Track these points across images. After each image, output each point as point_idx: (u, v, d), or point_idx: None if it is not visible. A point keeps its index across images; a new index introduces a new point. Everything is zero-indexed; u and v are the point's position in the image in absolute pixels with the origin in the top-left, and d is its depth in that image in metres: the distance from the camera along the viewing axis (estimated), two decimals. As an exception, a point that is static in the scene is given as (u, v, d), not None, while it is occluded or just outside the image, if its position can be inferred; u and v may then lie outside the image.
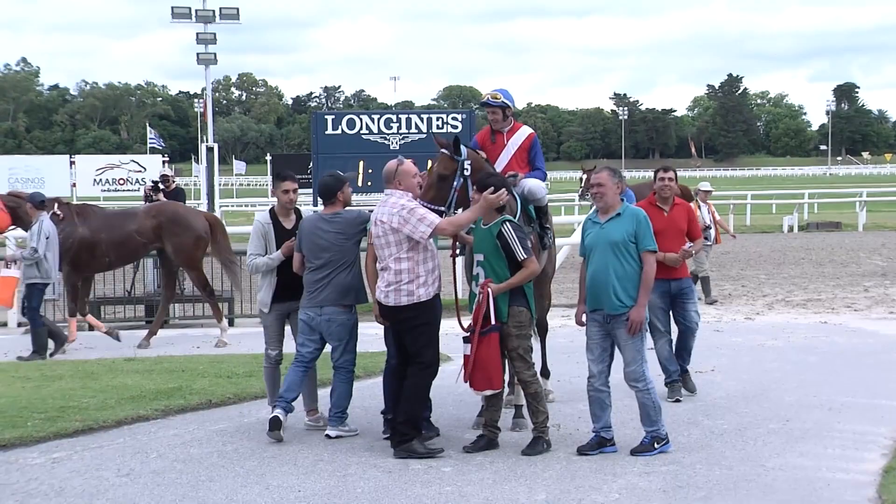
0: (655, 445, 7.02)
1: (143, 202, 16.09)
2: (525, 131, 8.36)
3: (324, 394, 7.97)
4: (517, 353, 7.17)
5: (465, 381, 7.18)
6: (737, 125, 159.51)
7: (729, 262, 22.73)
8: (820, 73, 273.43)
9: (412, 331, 7.15)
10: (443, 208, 7.31)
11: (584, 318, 7.16)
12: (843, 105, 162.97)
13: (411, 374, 7.16)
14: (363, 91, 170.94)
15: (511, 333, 7.13)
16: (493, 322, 7.02)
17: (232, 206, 42.32)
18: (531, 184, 7.93)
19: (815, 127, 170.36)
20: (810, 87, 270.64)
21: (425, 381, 7.22)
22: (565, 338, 9.78)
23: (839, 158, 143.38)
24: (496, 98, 8.28)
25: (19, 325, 14.23)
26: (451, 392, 8.56)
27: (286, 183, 7.94)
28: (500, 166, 8.19)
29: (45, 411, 8.12)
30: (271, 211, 7.99)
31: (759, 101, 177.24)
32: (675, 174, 8.97)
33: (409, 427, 7.08)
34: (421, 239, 7.01)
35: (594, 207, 7.30)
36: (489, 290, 7.04)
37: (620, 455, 6.99)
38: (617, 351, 7.12)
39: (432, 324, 7.20)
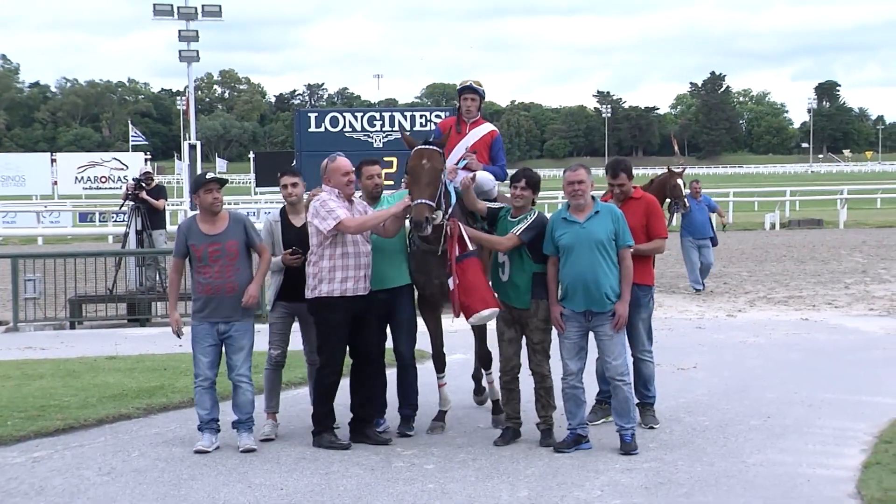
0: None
1: (124, 200, 16.02)
2: (488, 126, 8.31)
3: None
4: (542, 347, 7.18)
5: (458, 316, 7.21)
6: (719, 123, 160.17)
7: (711, 259, 22.80)
8: (804, 71, 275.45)
9: (314, 326, 7.25)
10: (432, 204, 7.09)
11: (561, 318, 7.14)
12: (824, 103, 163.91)
13: (309, 373, 7.35)
14: (347, 89, 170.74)
15: (539, 327, 7.15)
16: (469, 248, 7.08)
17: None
18: (480, 175, 7.77)
19: (797, 125, 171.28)
20: (794, 86, 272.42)
21: (321, 382, 7.24)
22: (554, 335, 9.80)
23: (820, 156, 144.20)
24: (479, 84, 8.25)
25: None
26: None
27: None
28: (456, 155, 8.09)
29: (25, 410, 8.08)
30: (282, 210, 7.72)
31: (741, 99, 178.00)
32: (628, 174, 7.65)
33: (314, 422, 7.25)
34: (325, 231, 7.00)
35: (565, 204, 7.23)
36: (459, 224, 7.10)
37: (603, 452, 7.02)
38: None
39: (328, 324, 7.14)
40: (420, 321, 7.80)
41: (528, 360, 7.26)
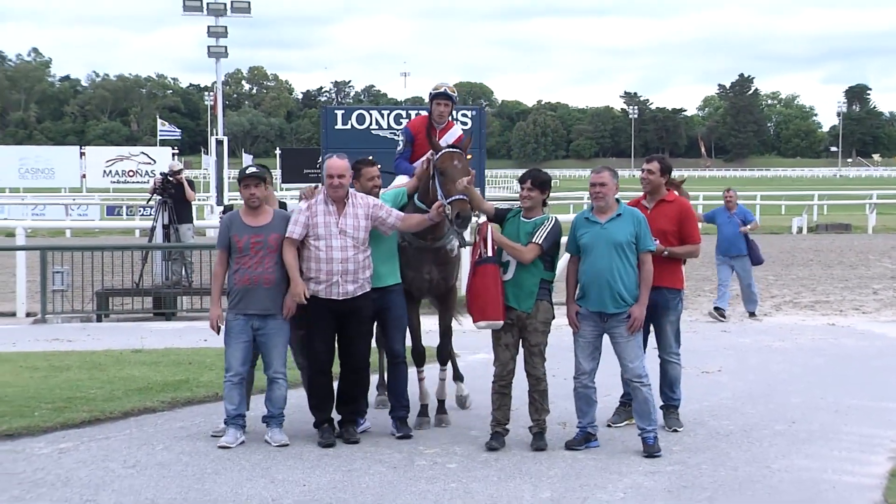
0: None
1: (151, 194, 16.15)
2: (458, 130, 8.29)
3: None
4: (538, 349, 7.16)
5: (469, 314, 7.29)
6: (747, 125, 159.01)
7: (737, 262, 22.66)
8: (834, 75, 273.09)
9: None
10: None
11: (576, 317, 7.17)
12: (854, 107, 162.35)
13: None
14: (373, 86, 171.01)
15: (538, 329, 7.14)
16: (490, 254, 7.09)
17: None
18: None
19: (826, 128, 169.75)
20: (824, 89, 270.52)
21: (304, 376, 7.52)
22: (570, 336, 9.74)
23: (849, 160, 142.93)
24: (453, 91, 8.27)
25: (27, 315, 14.28)
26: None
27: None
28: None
29: (52, 401, 8.15)
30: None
31: (770, 101, 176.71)
32: (662, 165, 7.77)
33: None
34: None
35: (590, 205, 7.28)
36: (489, 226, 7.15)
37: (626, 454, 7.00)
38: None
39: (308, 320, 7.29)
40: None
41: (524, 362, 7.22)
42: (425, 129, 8.06)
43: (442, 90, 8.19)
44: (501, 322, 7.10)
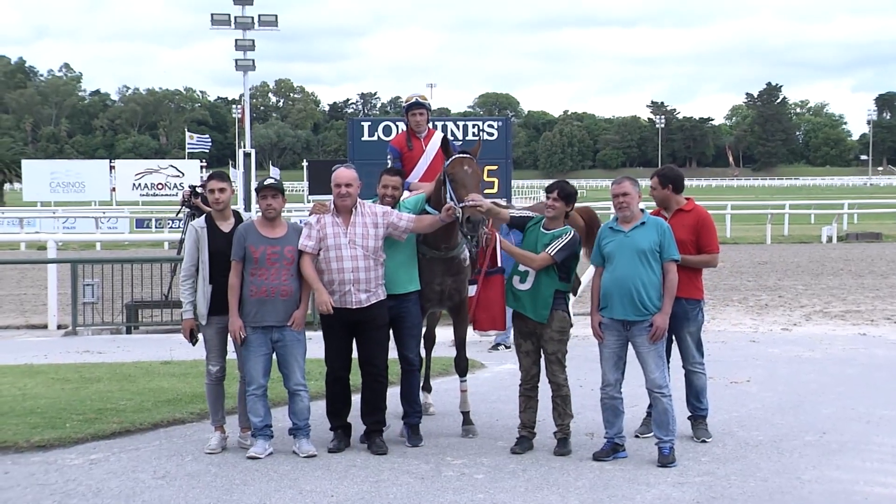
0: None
1: (181, 206, 16.28)
2: (440, 135, 8.38)
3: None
4: (556, 357, 7.23)
5: (469, 323, 7.44)
6: (775, 134, 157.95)
7: (766, 272, 22.53)
8: (865, 82, 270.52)
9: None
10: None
11: (599, 328, 7.18)
12: (885, 115, 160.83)
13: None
14: (399, 98, 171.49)
15: (553, 338, 7.20)
16: (498, 264, 7.24)
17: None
18: None
19: (856, 137, 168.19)
20: (854, 97, 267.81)
21: (326, 384, 7.56)
22: (597, 346, 9.72)
23: (880, 168, 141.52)
24: (425, 99, 8.46)
25: (59, 327, 14.43)
26: (485, 400, 8.56)
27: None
28: (419, 171, 8.31)
29: (83, 413, 8.23)
30: (208, 216, 7.60)
31: (798, 110, 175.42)
32: (660, 178, 7.63)
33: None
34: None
35: (614, 216, 7.29)
36: (497, 236, 7.26)
37: (654, 465, 6.97)
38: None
39: (324, 329, 7.41)
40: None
41: (545, 370, 7.32)
42: (404, 142, 8.42)
43: (414, 100, 8.50)
44: (504, 330, 7.51)
